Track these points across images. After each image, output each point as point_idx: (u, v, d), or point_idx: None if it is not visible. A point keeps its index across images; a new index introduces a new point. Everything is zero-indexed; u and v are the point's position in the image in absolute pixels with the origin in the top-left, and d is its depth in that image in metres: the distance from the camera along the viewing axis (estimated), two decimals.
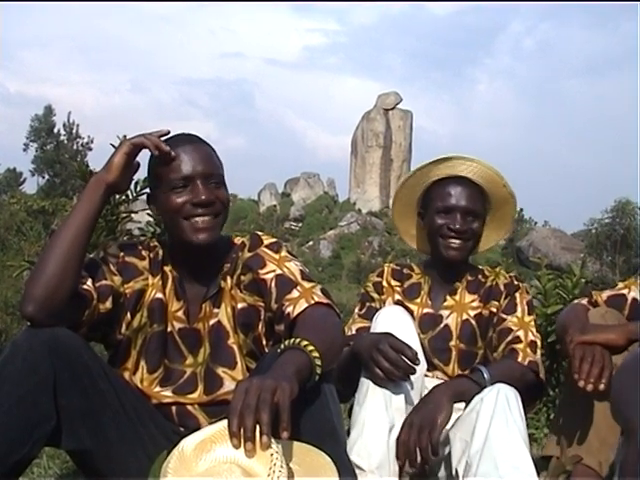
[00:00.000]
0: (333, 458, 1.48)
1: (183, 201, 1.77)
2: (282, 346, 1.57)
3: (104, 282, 1.79)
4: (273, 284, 1.82)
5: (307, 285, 1.82)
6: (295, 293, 1.79)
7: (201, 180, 1.77)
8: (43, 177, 39.21)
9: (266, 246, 1.90)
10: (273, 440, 1.34)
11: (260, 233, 1.96)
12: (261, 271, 1.85)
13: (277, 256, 1.87)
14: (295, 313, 1.75)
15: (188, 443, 1.39)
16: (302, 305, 1.76)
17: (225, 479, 1.32)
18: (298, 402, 1.46)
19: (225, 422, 1.38)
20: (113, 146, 3.40)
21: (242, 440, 1.34)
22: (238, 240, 1.94)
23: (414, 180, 2.33)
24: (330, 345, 1.64)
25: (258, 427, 1.34)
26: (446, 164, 2.25)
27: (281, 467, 1.33)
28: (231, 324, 1.87)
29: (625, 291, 2.20)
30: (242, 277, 1.87)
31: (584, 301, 2.23)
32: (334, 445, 1.58)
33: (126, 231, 3.56)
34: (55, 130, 39.18)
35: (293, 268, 1.86)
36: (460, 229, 2.20)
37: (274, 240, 1.93)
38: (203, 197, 1.76)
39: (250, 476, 1.33)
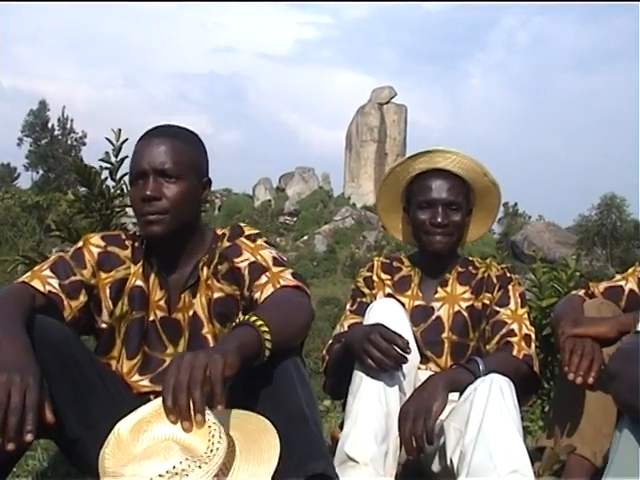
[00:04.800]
0: (305, 443, 1.52)
1: (136, 196, 1.82)
2: (234, 324, 1.59)
3: (73, 278, 1.82)
4: (246, 272, 1.85)
5: (276, 270, 1.84)
6: (264, 279, 1.82)
7: (154, 175, 1.81)
8: (37, 172, 39.13)
9: (245, 236, 1.92)
10: (210, 412, 1.37)
11: (243, 225, 1.99)
12: (236, 260, 1.87)
13: (253, 245, 1.90)
14: (262, 298, 1.77)
15: (123, 426, 1.40)
16: (268, 290, 1.79)
17: (163, 457, 1.32)
18: (265, 386, 1.51)
19: (159, 400, 1.40)
20: (108, 140, 3.41)
21: (178, 417, 1.37)
22: (221, 231, 1.97)
23: (394, 177, 2.34)
24: (286, 322, 1.65)
25: (192, 404, 1.35)
26: (424, 158, 2.26)
27: (219, 438, 1.36)
28: (205, 314, 1.89)
29: (622, 282, 2.21)
30: (219, 267, 1.89)
31: (581, 292, 2.24)
32: (304, 429, 1.59)
33: (120, 225, 3.56)
34: (49, 125, 39.07)
35: (266, 255, 1.88)
36: (442, 223, 2.20)
37: (254, 232, 1.96)
38: (147, 192, 1.79)
39: (189, 451, 1.34)
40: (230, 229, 1.96)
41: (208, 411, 1.37)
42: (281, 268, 1.85)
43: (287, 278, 1.82)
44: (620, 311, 2.12)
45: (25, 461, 2.40)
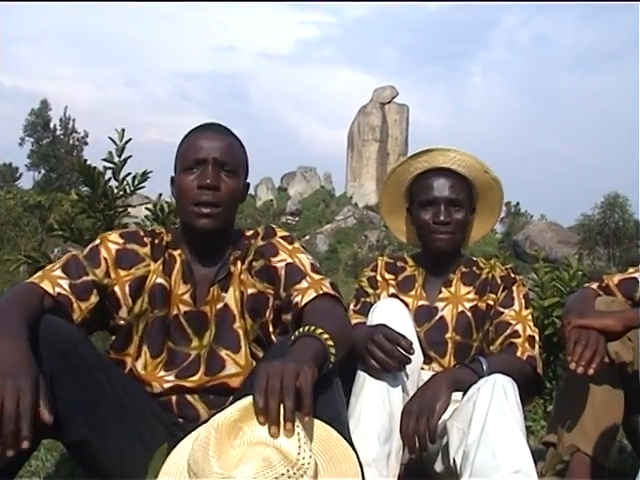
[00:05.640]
0: None
1: (191, 183, 1.82)
2: (296, 333, 1.58)
3: (84, 278, 1.81)
4: (283, 272, 1.86)
5: (316, 277, 1.85)
6: (304, 283, 1.82)
7: (213, 165, 1.82)
8: (39, 172, 39.15)
9: (280, 237, 1.94)
10: (297, 421, 1.36)
11: (274, 226, 2.01)
12: (273, 259, 1.88)
13: (290, 247, 1.92)
14: (303, 303, 1.78)
15: (221, 423, 1.38)
16: (310, 295, 1.79)
17: (267, 463, 1.31)
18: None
19: (250, 399, 1.39)
20: (112, 139, 3.41)
21: (267, 420, 1.36)
22: (249, 232, 1.98)
23: (395, 177, 2.34)
24: (341, 335, 1.66)
25: (283, 411, 1.35)
26: (425, 157, 2.26)
27: (310, 451, 1.35)
28: (238, 308, 1.89)
29: (637, 275, 2.20)
30: (254, 263, 1.90)
31: (594, 285, 2.23)
32: (339, 432, 1.56)
33: (123, 226, 3.56)
34: (51, 125, 39.08)
35: (304, 260, 1.89)
36: (444, 220, 2.20)
37: (288, 234, 1.98)
38: (208, 180, 1.80)
39: (281, 454, 1.33)
40: (263, 229, 1.98)
41: (297, 421, 1.36)
42: (321, 276, 1.86)
43: (328, 287, 1.83)
44: (630, 308, 2.11)
45: (28, 462, 2.39)
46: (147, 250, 1.91)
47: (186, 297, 1.89)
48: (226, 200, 1.83)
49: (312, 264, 1.90)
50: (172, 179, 1.93)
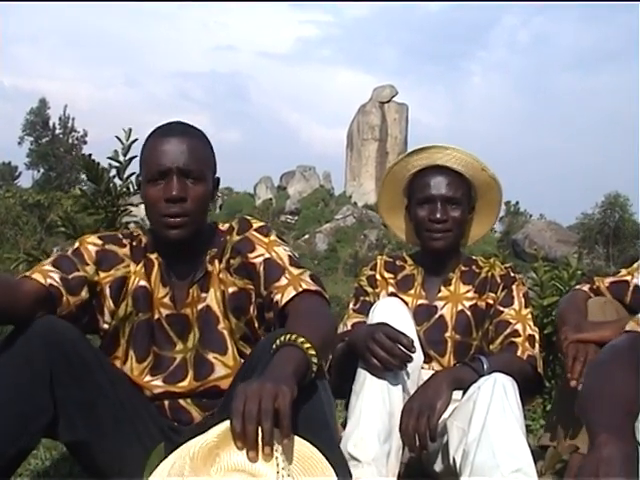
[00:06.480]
0: (326, 450, 1.47)
1: (157, 195, 1.76)
2: (278, 342, 1.53)
3: (76, 274, 1.78)
4: (262, 268, 1.81)
5: (295, 272, 1.80)
6: (283, 280, 1.78)
7: (177, 175, 1.76)
8: (38, 171, 39.21)
9: (255, 229, 1.88)
10: (275, 443, 1.34)
11: (249, 217, 1.95)
12: (250, 255, 1.84)
13: (266, 240, 1.86)
14: (284, 301, 1.74)
15: (196, 452, 1.36)
16: (290, 293, 1.75)
17: None
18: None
19: (227, 424, 1.36)
20: (118, 139, 3.40)
21: (245, 444, 1.34)
22: (224, 226, 1.93)
23: (393, 175, 2.34)
24: (325, 340, 1.62)
25: (260, 434, 1.32)
26: (423, 155, 2.25)
27: (288, 469, 1.33)
28: (221, 309, 1.85)
29: (628, 278, 2.20)
30: (231, 261, 1.86)
31: (585, 287, 2.22)
32: (326, 437, 1.56)
33: (125, 224, 3.56)
34: (50, 124, 39.13)
35: (282, 253, 1.84)
36: (440, 218, 2.19)
37: (263, 224, 1.92)
38: (174, 193, 1.74)
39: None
40: (238, 222, 1.92)
41: (275, 444, 1.34)
42: (300, 270, 1.81)
43: (308, 282, 1.79)
44: (623, 310, 2.11)
45: (27, 460, 2.39)
46: (126, 251, 1.88)
47: (166, 300, 1.86)
48: (194, 208, 1.77)
49: (290, 257, 1.84)
50: (139, 184, 1.87)
